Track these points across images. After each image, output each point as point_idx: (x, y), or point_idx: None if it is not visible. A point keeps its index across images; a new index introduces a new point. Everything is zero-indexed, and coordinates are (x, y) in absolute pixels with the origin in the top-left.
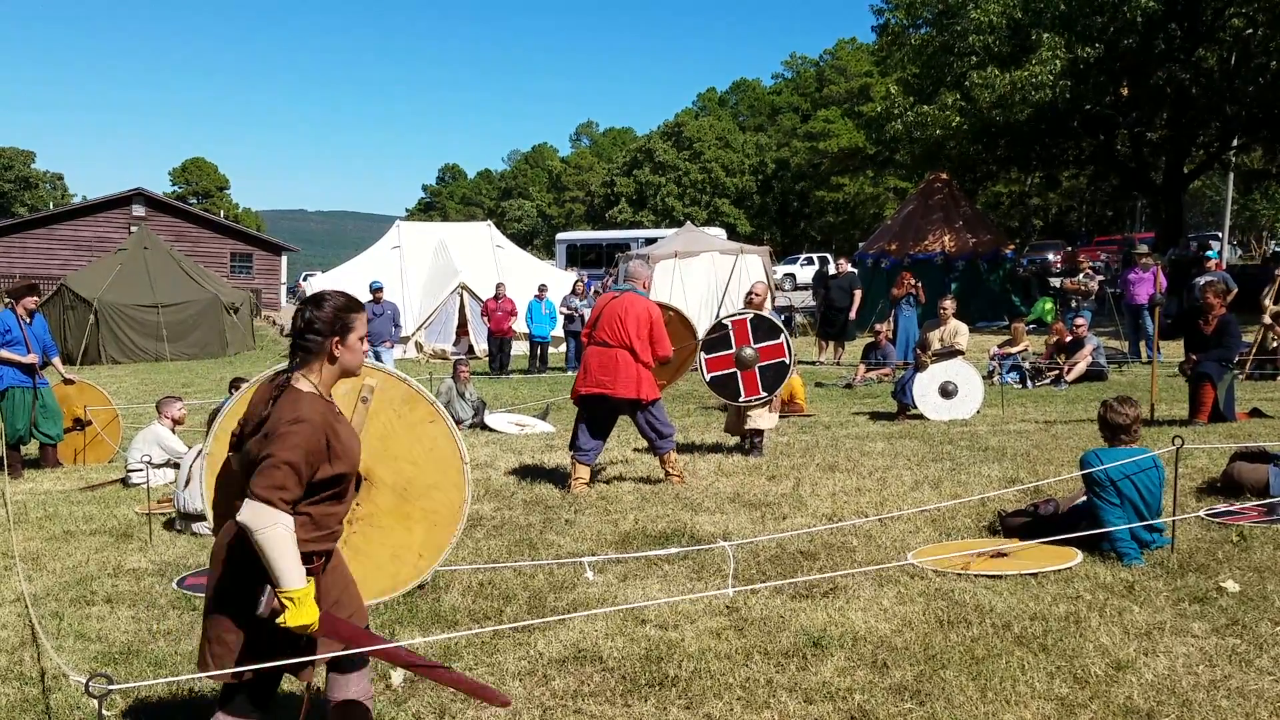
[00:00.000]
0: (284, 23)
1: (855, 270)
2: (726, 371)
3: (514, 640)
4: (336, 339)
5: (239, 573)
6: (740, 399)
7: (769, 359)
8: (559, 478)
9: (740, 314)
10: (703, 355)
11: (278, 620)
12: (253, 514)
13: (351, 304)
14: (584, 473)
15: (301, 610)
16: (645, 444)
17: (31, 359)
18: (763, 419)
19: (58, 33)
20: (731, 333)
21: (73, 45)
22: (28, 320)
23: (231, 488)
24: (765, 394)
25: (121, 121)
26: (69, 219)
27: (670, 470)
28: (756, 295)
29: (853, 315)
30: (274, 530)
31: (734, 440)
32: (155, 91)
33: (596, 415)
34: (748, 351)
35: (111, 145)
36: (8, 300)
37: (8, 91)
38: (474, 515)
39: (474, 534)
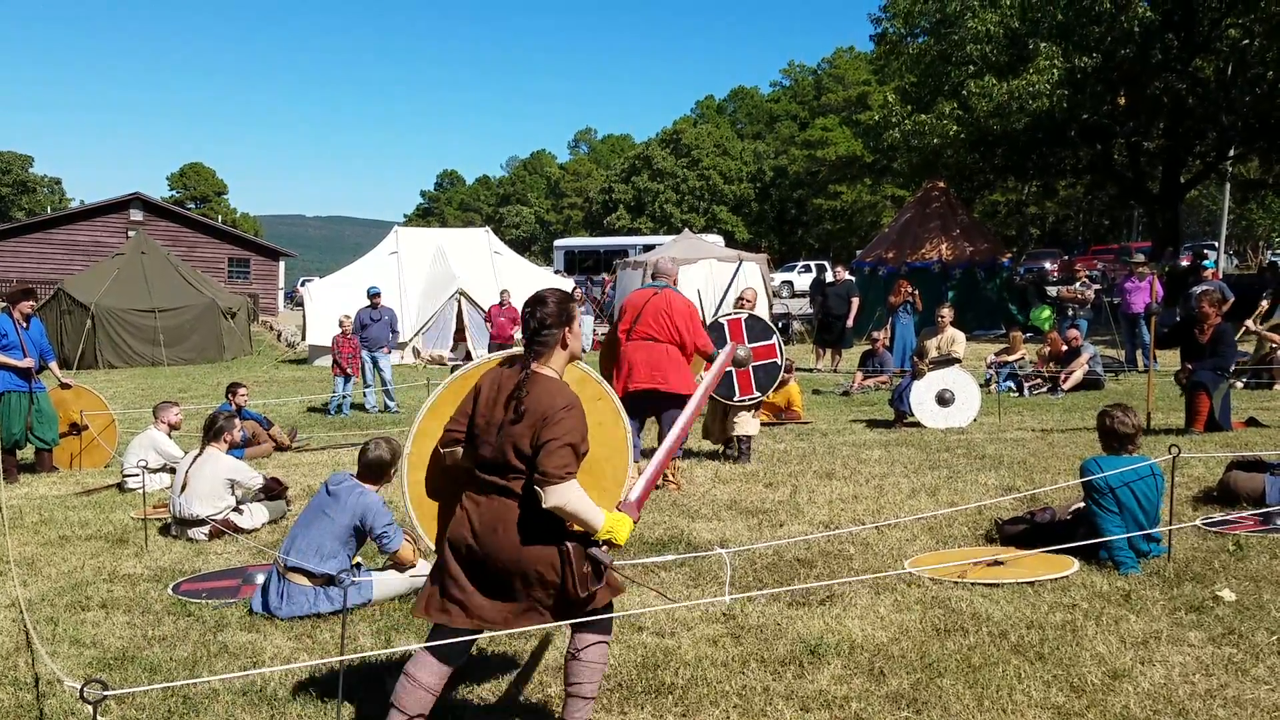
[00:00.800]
0: (283, 27)
1: (853, 278)
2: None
3: (510, 647)
4: (566, 328)
5: (545, 538)
6: (735, 398)
7: (762, 359)
8: None
9: (735, 313)
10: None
11: (611, 546)
12: (558, 496)
13: (568, 296)
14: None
15: (619, 530)
16: (642, 452)
17: (27, 363)
18: (749, 424)
19: (56, 36)
20: (727, 331)
21: (71, 49)
22: (24, 324)
23: (455, 476)
24: (759, 394)
25: (120, 126)
26: (67, 223)
27: (670, 476)
28: (747, 301)
29: (850, 323)
30: (578, 499)
31: (724, 447)
32: (153, 96)
33: (637, 412)
34: (742, 351)
35: (110, 149)
36: (4, 304)
37: (6, 95)
38: None
39: None
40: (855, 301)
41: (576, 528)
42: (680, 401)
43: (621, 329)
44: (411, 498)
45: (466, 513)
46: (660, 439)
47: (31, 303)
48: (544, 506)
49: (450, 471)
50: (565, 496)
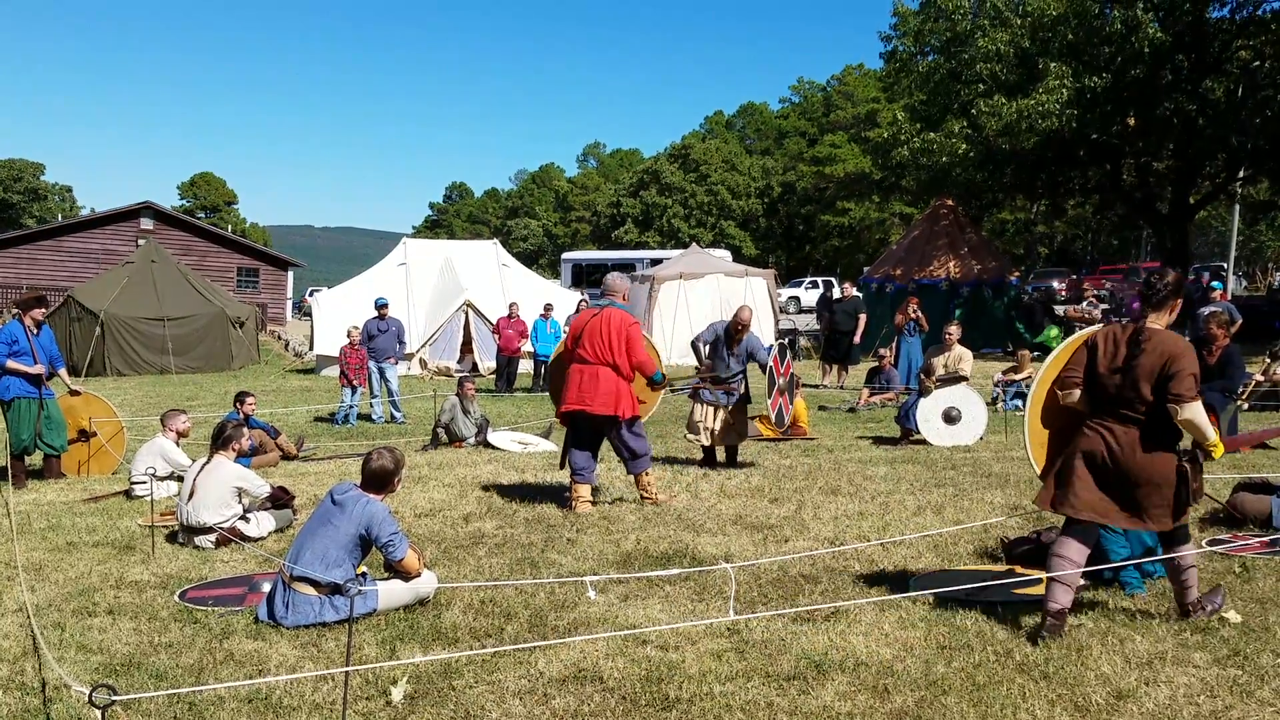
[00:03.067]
0: (294, 38)
1: (860, 295)
2: (777, 408)
3: (515, 659)
4: (1176, 298)
5: (1165, 456)
6: (784, 425)
7: (786, 376)
8: (561, 496)
9: (770, 348)
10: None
11: (1209, 459)
12: (1189, 411)
13: (1183, 278)
14: (585, 491)
15: (1219, 446)
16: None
17: (38, 370)
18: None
19: (69, 45)
20: (777, 373)
21: (83, 58)
22: (35, 331)
23: (1064, 411)
24: (791, 407)
25: (131, 135)
26: (77, 231)
27: (644, 492)
28: (743, 324)
29: (857, 339)
30: (1201, 414)
31: (734, 459)
32: (165, 105)
33: (581, 432)
34: (781, 382)
35: (121, 158)
36: (15, 311)
37: (19, 104)
38: (476, 533)
39: (475, 552)
40: (862, 318)
41: (1187, 440)
42: (608, 423)
43: (566, 347)
44: (1030, 428)
45: (1100, 435)
46: (615, 451)
47: (43, 310)
48: (1178, 420)
49: (1063, 408)
50: (1193, 412)
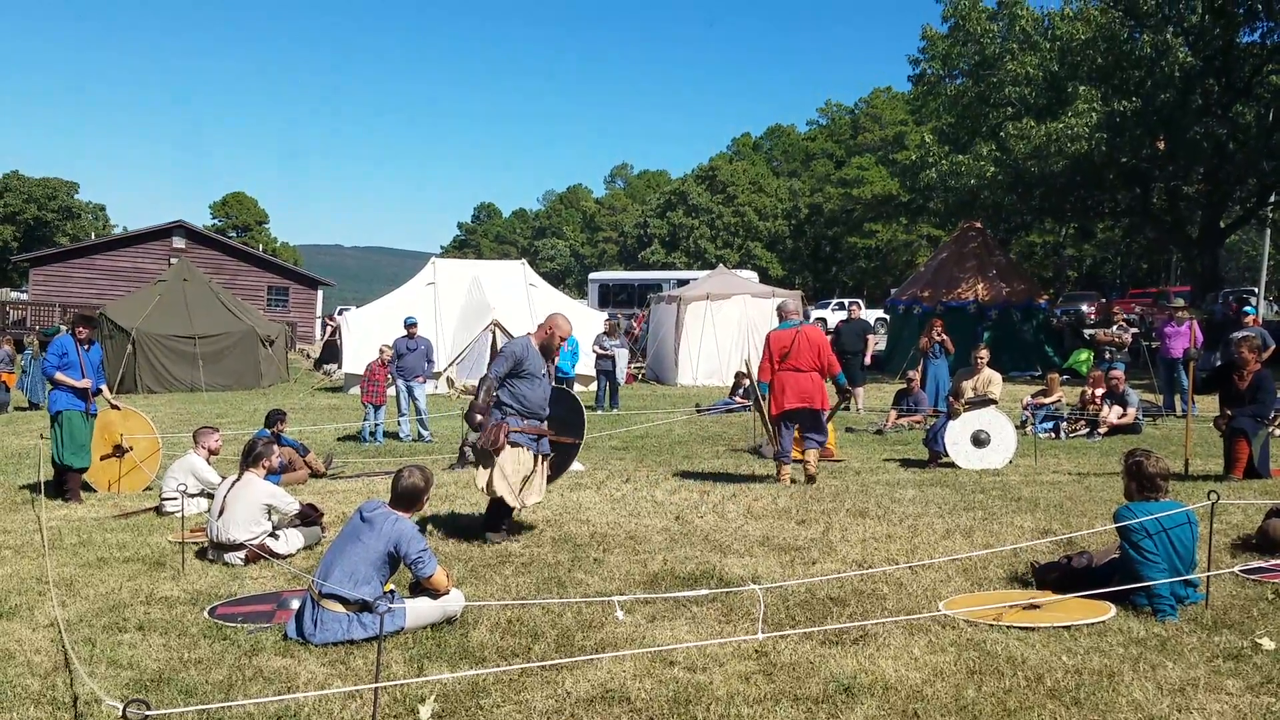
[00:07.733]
0: (324, 61)
1: (867, 317)
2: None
3: (542, 678)
4: None
5: None
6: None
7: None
8: (588, 516)
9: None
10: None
11: None
12: None
13: None
14: (789, 470)
15: None
16: (675, 486)
17: (85, 384)
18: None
19: (104, 66)
20: None
21: (118, 79)
22: (86, 347)
23: None
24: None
25: (164, 155)
26: (110, 249)
27: (809, 466)
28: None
29: (867, 360)
30: None
31: (765, 483)
32: (198, 126)
33: (792, 423)
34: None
35: (153, 178)
36: (67, 325)
37: (53, 122)
38: (502, 552)
39: (503, 571)
40: (870, 340)
41: None
42: (819, 414)
43: (775, 361)
44: None
45: None
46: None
47: (86, 329)
48: None
49: None
50: None
